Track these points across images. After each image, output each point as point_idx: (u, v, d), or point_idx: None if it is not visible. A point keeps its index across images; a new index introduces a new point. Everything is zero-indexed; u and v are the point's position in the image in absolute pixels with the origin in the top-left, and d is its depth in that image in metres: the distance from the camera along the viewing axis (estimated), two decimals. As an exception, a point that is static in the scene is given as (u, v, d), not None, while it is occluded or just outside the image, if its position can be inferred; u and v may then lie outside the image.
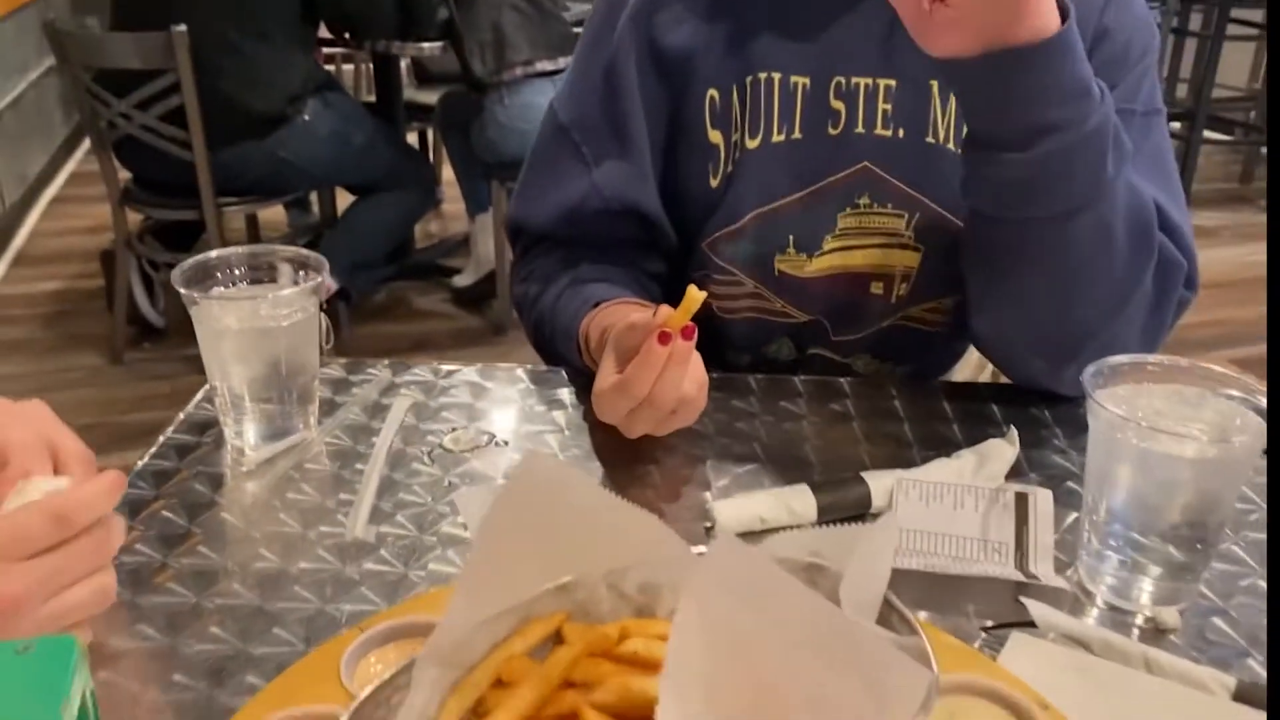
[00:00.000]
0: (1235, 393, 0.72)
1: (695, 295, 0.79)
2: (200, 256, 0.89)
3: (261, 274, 0.92)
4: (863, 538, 0.55)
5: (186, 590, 0.74)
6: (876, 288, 1.01)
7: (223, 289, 0.90)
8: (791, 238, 1.00)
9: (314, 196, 3.26)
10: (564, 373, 1.04)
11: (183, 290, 0.86)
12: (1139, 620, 0.72)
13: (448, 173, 3.60)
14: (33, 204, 4.35)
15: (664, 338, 0.79)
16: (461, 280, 3.43)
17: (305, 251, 0.91)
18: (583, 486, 0.55)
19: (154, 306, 3.11)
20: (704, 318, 1.00)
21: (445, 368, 1.05)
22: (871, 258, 1.00)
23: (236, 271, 0.91)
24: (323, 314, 0.91)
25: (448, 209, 4.07)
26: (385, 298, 3.45)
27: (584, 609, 0.59)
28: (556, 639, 0.56)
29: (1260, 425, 0.69)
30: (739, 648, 0.46)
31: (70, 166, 4.89)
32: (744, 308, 1.04)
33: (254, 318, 0.87)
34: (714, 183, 1.01)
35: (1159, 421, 0.70)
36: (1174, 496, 0.69)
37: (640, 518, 0.58)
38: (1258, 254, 3.85)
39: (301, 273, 0.90)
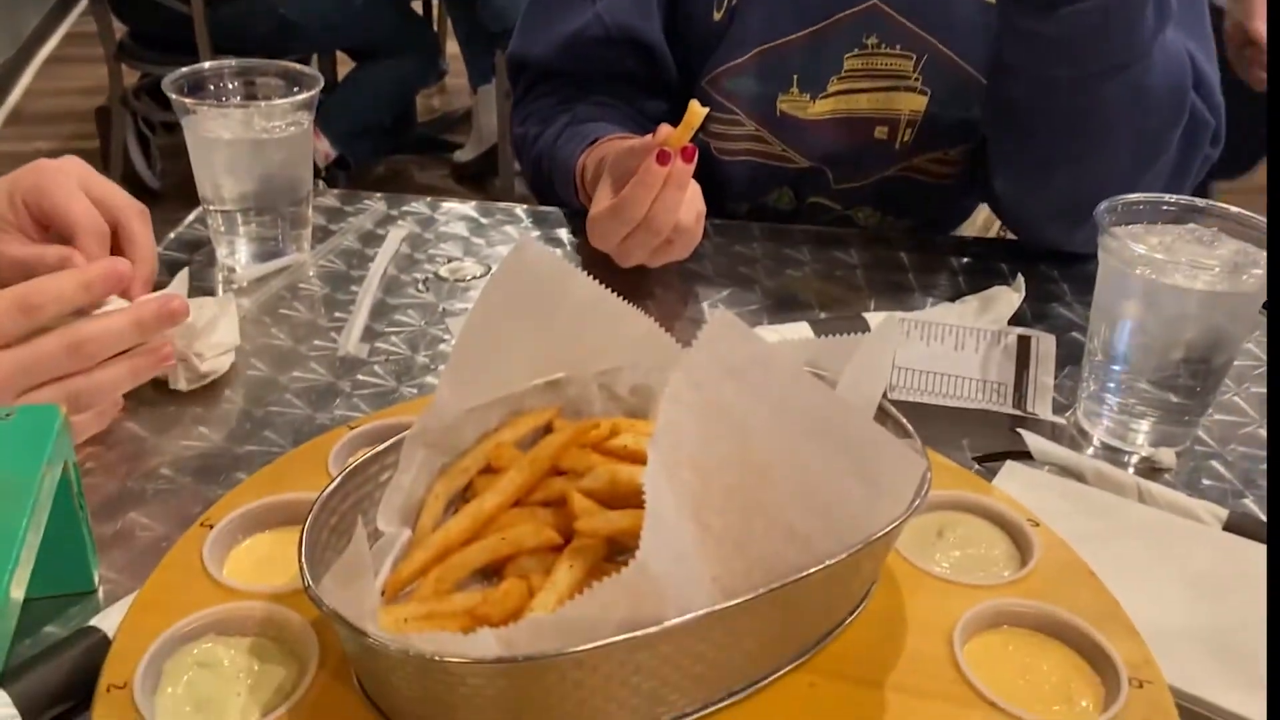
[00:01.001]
0: (1253, 232, 0.70)
1: (697, 110, 0.76)
2: (194, 66, 0.86)
3: (255, 90, 0.89)
4: (861, 345, 0.54)
5: (174, 394, 0.73)
6: (881, 133, 0.99)
7: (215, 102, 0.87)
8: (795, 77, 0.97)
9: (314, 61, 3.18)
10: (562, 213, 1.02)
11: (174, 97, 0.83)
12: (1135, 460, 0.72)
13: (452, 46, 3.50)
14: (27, 63, 4.25)
15: (663, 157, 0.77)
16: (463, 155, 3.37)
17: (298, 66, 0.88)
18: (577, 279, 0.54)
19: (150, 168, 3.06)
20: (702, 163, 0.98)
21: (443, 203, 1.03)
22: (876, 101, 0.97)
23: (230, 85, 0.88)
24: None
25: (451, 83, 3.98)
26: (385, 171, 3.39)
27: (575, 407, 0.58)
28: (546, 433, 0.56)
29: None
30: (730, 424, 0.45)
31: (66, 25, 4.77)
32: (743, 150, 1.02)
33: (246, 129, 0.84)
34: (717, 16, 0.97)
35: (1170, 256, 0.68)
36: (1181, 333, 0.68)
37: (635, 318, 0.56)
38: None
39: (295, 88, 0.87)
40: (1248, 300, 0.68)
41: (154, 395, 0.72)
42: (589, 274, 0.53)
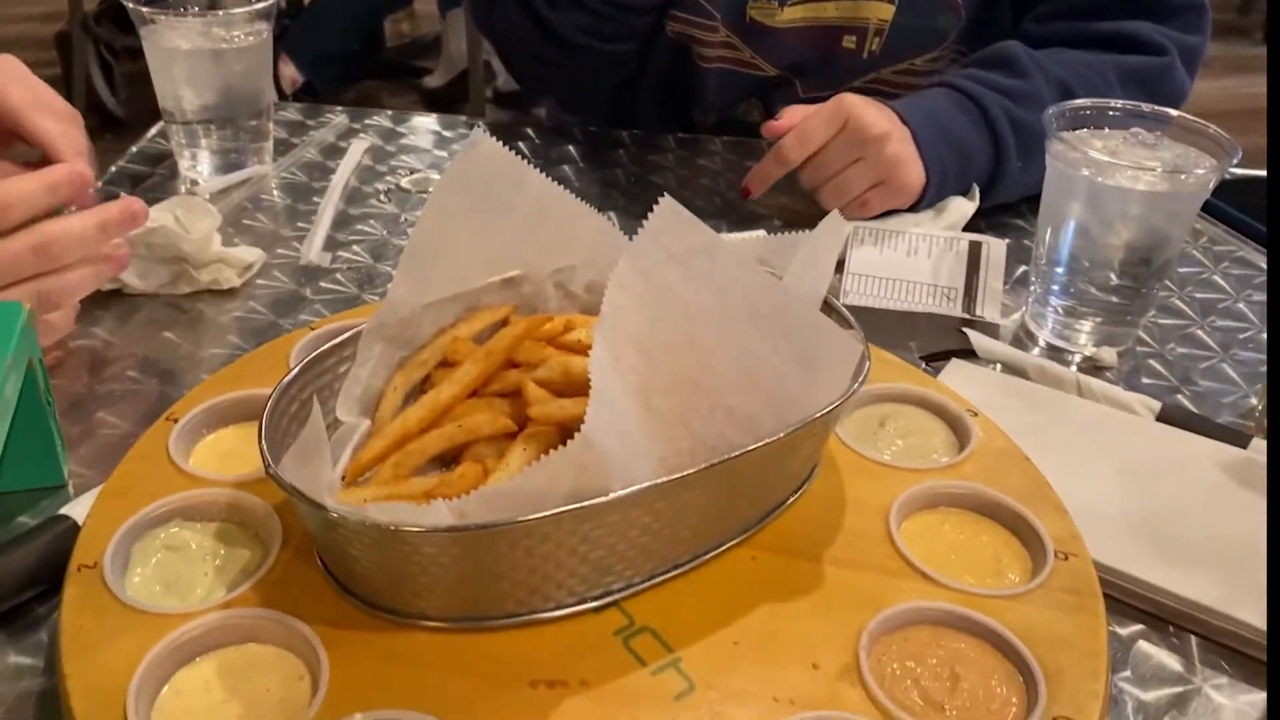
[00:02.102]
0: (1193, 136, 0.72)
1: None
2: (151, -26, 0.86)
3: (216, 2, 0.88)
4: (805, 242, 0.56)
5: (136, 299, 0.74)
6: (849, 41, 0.99)
7: (175, 12, 0.86)
8: None
9: (279, -15, 3.12)
10: (528, 130, 1.02)
11: (132, 6, 0.83)
12: (1078, 360, 0.74)
13: (421, -33, 3.44)
14: (-18, -13, 4.14)
15: None
16: (432, 81, 3.33)
17: (258, -25, 0.87)
18: (531, 176, 0.55)
19: (114, 95, 3.01)
20: (678, 69, 0.98)
21: (405, 116, 1.03)
22: (844, 10, 0.97)
23: (189, -2, 0.88)
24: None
25: (420, 8, 3.91)
26: (353, 96, 3.34)
27: (530, 304, 0.59)
28: (501, 328, 0.57)
29: (1214, 169, 0.69)
30: (674, 309, 0.47)
31: (22, -51, 4.63)
32: (716, 58, 1.02)
33: (205, 39, 0.84)
34: None
35: (1114, 159, 0.70)
36: (1123, 233, 0.70)
37: (588, 216, 0.58)
38: (1252, 86, 3.79)
39: (254, -1, 0.87)
40: (1187, 200, 0.70)
41: (117, 300, 0.73)
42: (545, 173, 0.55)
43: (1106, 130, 0.74)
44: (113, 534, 0.49)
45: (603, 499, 0.43)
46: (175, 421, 0.57)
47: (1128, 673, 0.52)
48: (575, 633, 0.47)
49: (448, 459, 0.53)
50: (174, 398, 0.64)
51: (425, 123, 1.02)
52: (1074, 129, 0.73)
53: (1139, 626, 0.54)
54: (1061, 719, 0.44)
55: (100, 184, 0.89)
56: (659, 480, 0.45)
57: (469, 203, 0.54)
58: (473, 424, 0.52)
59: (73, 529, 0.52)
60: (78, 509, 0.54)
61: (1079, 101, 0.74)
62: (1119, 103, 0.74)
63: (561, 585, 0.46)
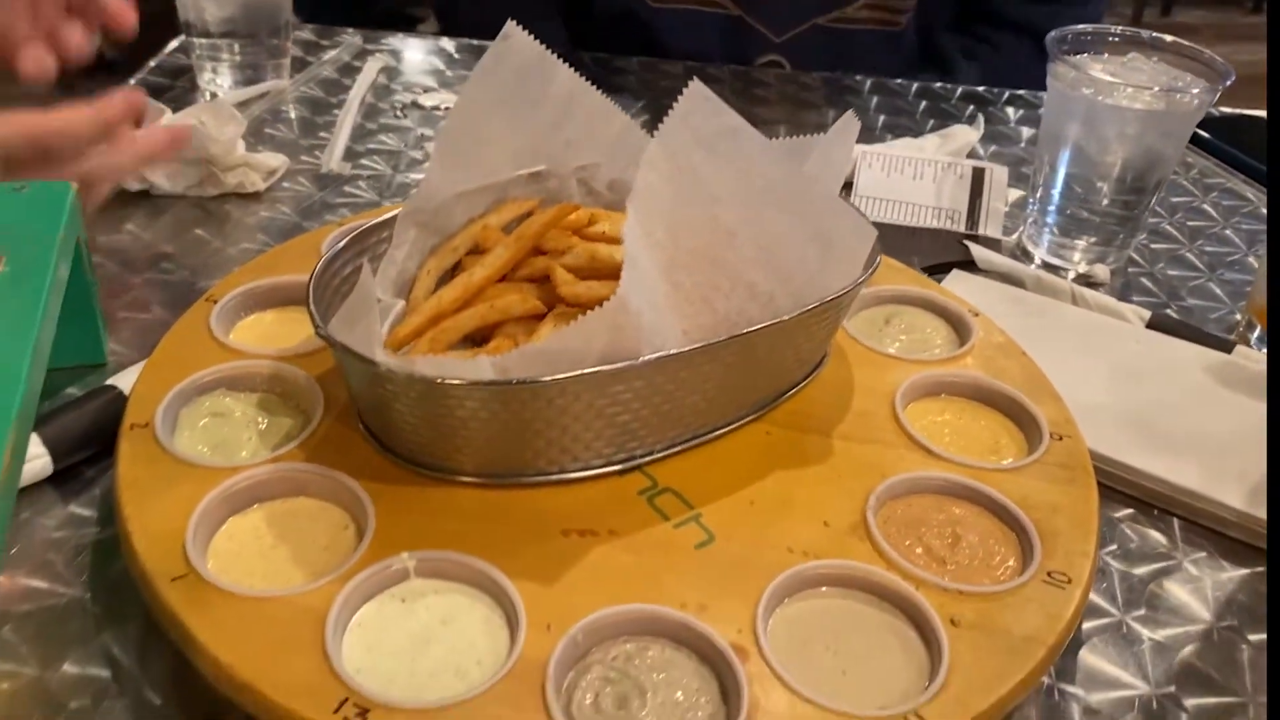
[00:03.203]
0: (1188, 61, 0.74)
1: None
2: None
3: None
4: (820, 143, 0.58)
5: (164, 200, 0.76)
6: None
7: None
8: None
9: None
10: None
11: (154, -84, 0.84)
12: (1071, 276, 0.77)
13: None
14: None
15: None
16: (425, 30, 3.32)
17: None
18: (560, 71, 0.57)
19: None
20: (634, 12, 0.97)
21: (417, 38, 1.05)
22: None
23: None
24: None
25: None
26: None
27: (554, 199, 0.62)
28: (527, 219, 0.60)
29: (1208, 90, 0.72)
30: (700, 190, 0.49)
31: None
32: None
33: (227, -50, 0.85)
34: None
35: (1113, 79, 0.73)
36: (1119, 152, 0.73)
37: (614, 114, 0.60)
38: (1238, 54, 3.83)
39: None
40: (1181, 120, 0.72)
41: (146, 201, 0.75)
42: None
43: (1105, 55, 0.77)
44: (161, 398, 0.52)
45: (634, 361, 0.46)
46: (214, 302, 0.59)
47: (1114, 547, 0.55)
48: (602, 491, 0.50)
49: (479, 338, 0.56)
50: (206, 287, 0.66)
51: (441, 44, 1.04)
52: (1075, 53, 0.76)
53: (1127, 510, 0.58)
54: (1056, 573, 0.47)
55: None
56: (685, 348, 0.48)
57: (499, 95, 0.57)
58: (504, 304, 0.55)
59: (120, 397, 0.55)
60: (123, 380, 0.56)
61: (1081, 27, 0.76)
62: (1118, 28, 0.77)
63: (589, 447, 0.49)
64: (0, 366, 0.44)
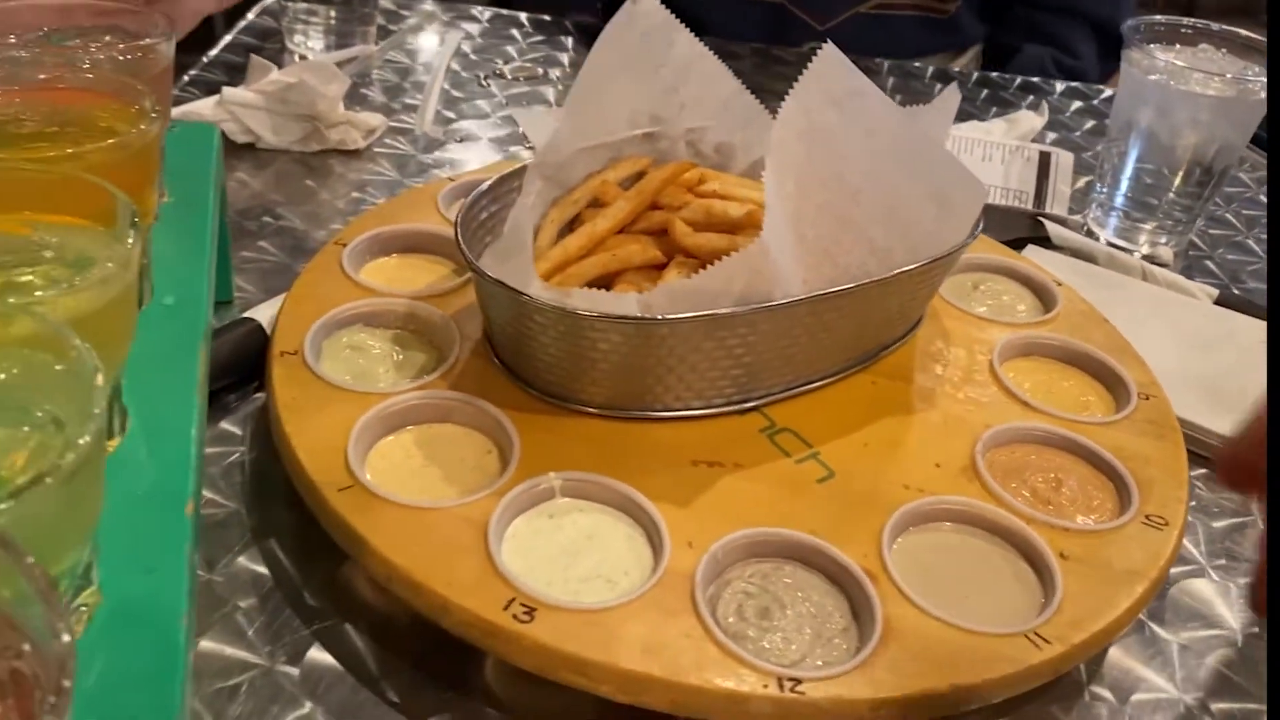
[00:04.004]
0: (1256, 54, 0.78)
1: None
2: None
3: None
4: (923, 112, 0.61)
5: (268, 154, 0.79)
6: None
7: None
8: None
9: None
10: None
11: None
12: (1137, 256, 0.80)
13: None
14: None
15: None
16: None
17: None
18: (682, 35, 0.60)
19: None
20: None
21: (493, 10, 1.08)
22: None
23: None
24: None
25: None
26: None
27: (665, 159, 0.65)
28: (639, 178, 0.63)
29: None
30: (830, 148, 0.53)
31: None
32: None
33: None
34: None
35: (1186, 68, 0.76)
36: (1189, 138, 0.76)
37: (727, 79, 0.63)
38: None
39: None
40: (1249, 109, 0.76)
41: (251, 153, 0.78)
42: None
43: (1177, 46, 0.80)
44: (305, 329, 0.55)
45: (770, 303, 0.49)
46: (344, 246, 0.62)
47: (1192, 503, 0.58)
48: (724, 428, 0.53)
49: (599, 285, 0.59)
50: (320, 235, 0.70)
51: (519, 18, 1.07)
52: (1149, 43, 0.79)
53: (1201, 470, 0.61)
54: (1154, 516, 0.50)
55: (206, 59, 0.93)
56: (813, 293, 0.51)
57: (625, 57, 0.60)
58: (626, 253, 0.58)
59: (259, 329, 0.58)
60: (259, 314, 0.59)
61: (1155, 18, 0.80)
62: (1190, 21, 0.80)
63: (714, 385, 0.52)
64: (184, 289, 0.47)
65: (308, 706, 0.43)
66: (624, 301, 0.48)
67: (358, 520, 0.45)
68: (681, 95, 0.63)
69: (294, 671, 0.44)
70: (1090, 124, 1.01)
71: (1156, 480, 0.52)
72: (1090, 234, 0.83)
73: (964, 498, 0.50)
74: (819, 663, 0.43)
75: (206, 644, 0.45)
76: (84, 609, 0.33)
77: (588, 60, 0.60)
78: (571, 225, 0.61)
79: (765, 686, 0.41)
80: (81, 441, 0.28)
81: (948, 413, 0.56)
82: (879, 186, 0.53)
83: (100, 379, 0.30)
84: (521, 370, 0.53)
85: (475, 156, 0.83)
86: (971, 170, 0.54)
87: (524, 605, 0.43)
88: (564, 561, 0.46)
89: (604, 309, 0.48)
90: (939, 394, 0.57)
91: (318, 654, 0.45)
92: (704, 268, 0.54)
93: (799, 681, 0.41)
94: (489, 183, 0.57)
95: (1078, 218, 0.83)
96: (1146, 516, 0.50)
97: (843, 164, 0.53)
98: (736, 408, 0.54)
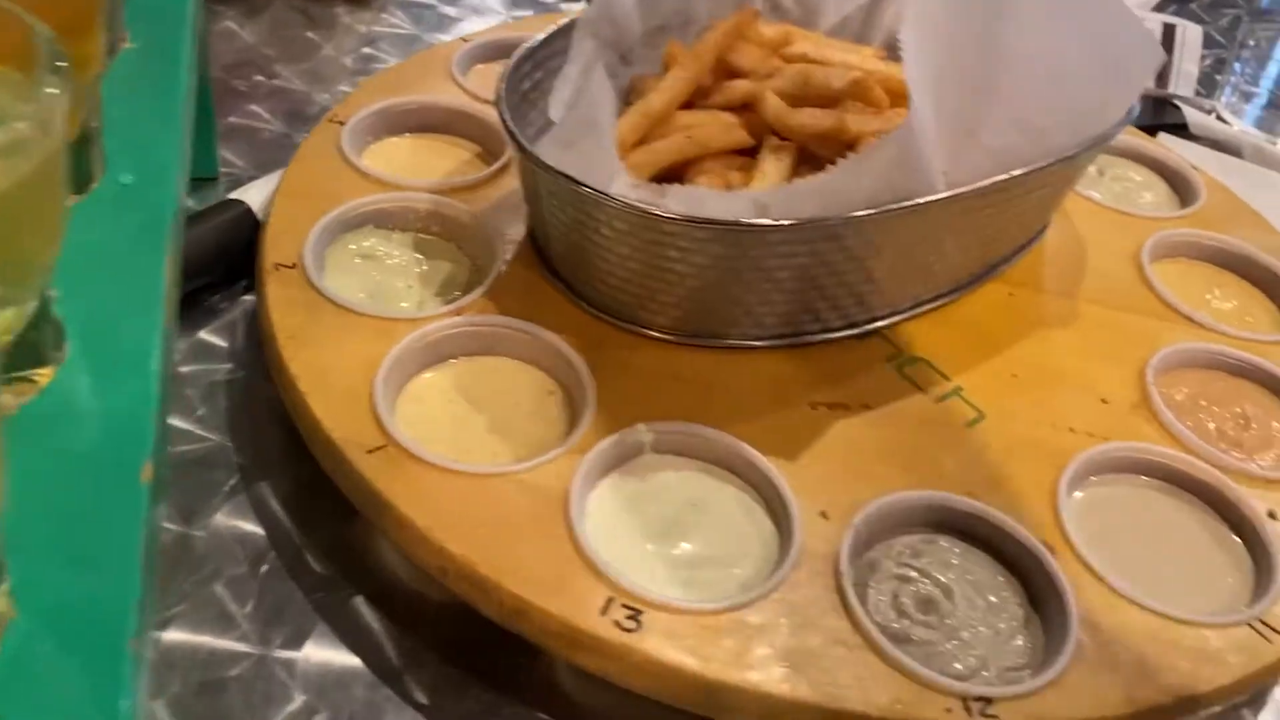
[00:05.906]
0: None
1: None
2: None
3: None
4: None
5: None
6: None
7: None
8: None
9: None
10: None
11: None
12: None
13: None
14: None
15: None
16: None
17: None
18: None
19: None
20: None
21: None
22: None
23: None
24: None
25: None
26: None
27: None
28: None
29: None
30: (982, 4, 0.41)
31: None
32: None
33: None
34: None
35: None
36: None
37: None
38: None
39: None
40: None
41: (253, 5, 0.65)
42: None
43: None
44: (304, 234, 0.43)
45: (919, 200, 0.39)
46: (342, 124, 0.50)
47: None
48: (845, 358, 0.43)
49: (664, 178, 0.47)
50: (323, 99, 0.57)
51: None
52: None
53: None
54: (1368, 460, 0.41)
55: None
56: (972, 186, 0.40)
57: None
58: (704, 135, 0.46)
59: (248, 214, 0.46)
60: (248, 195, 0.47)
61: None
62: None
63: (835, 304, 0.42)
64: (147, 164, 0.35)
65: (307, 706, 0.33)
66: (735, 201, 0.37)
67: (398, 494, 0.35)
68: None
69: (294, 657, 0.34)
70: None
71: (1361, 414, 0.43)
72: (1221, 120, 0.72)
73: (1144, 444, 0.40)
74: (1004, 666, 0.34)
75: (179, 630, 0.35)
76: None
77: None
78: (629, 100, 0.49)
79: (949, 711, 0.32)
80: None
81: (1102, 332, 0.46)
82: (1038, 50, 0.42)
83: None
84: (586, 287, 0.42)
85: (510, 8, 0.70)
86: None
87: (627, 607, 0.33)
88: (665, 541, 0.36)
89: (712, 213, 0.37)
90: (1084, 307, 0.47)
91: (323, 639, 0.35)
92: (805, 160, 0.43)
93: (989, 702, 0.32)
94: (532, 43, 0.45)
95: (1207, 102, 0.72)
96: (1359, 462, 0.41)
97: (997, 23, 0.41)
98: (857, 331, 0.43)
